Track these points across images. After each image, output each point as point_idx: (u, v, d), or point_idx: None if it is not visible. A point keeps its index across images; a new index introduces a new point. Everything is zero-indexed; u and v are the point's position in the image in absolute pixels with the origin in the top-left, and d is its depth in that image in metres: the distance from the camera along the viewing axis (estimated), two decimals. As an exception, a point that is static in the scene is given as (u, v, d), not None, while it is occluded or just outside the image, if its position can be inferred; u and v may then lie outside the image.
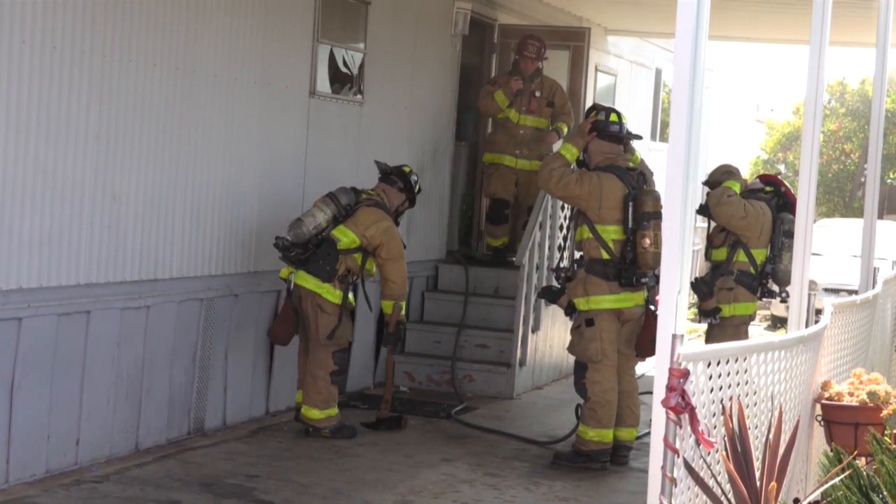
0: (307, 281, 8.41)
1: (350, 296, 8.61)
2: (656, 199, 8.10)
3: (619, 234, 8.13)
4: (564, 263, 10.75)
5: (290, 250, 8.37)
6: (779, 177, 9.47)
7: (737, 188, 8.93)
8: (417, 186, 9.06)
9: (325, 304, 8.41)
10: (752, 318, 9.11)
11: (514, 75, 11.30)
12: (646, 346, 8.24)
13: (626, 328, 8.29)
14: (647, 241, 8.01)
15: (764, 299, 9.23)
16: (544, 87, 11.36)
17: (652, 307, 8.19)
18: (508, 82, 11.25)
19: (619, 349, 8.31)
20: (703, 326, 10.40)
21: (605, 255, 8.13)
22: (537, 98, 11.29)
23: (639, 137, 8.71)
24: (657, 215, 8.04)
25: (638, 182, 8.25)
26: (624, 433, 8.38)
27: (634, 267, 8.09)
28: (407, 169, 9.04)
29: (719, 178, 9.16)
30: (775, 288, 8.98)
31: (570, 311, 8.34)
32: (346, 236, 8.48)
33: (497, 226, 11.48)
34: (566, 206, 10.55)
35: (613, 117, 8.36)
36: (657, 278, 8.03)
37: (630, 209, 8.10)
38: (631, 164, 8.31)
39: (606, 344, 8.18)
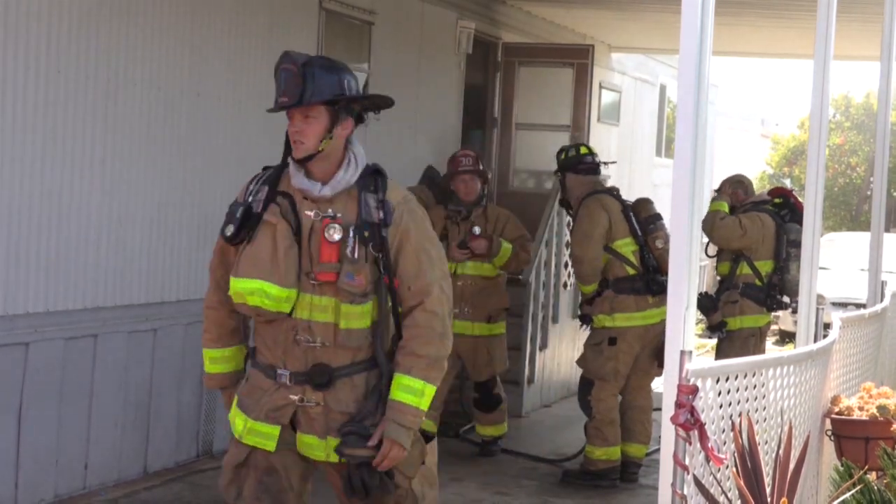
0: None
1: None
2: (650, 203, 8.42)
3: (634, 244, 8.20)
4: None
5: None
6: (792, 192, 9.44)
7: (724, 207, 8.90)
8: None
9: None
10: (763, 330, 9.05)
11: (450, 205, 8.68)
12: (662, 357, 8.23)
13: (651, 345, 8.24)
14: (660, 242, 8.16)
15: (775, 311, 9.18)
16: (487, 221, 8.63)
17: None
18: (441, 218, 8.58)
19: (641, 367, 8.29)
20: (711, 342, 10.39)
21: (631, 271, 8.19)
22: (477, 237, 8.49)
23: (613, 162, 8.91)
24: (658, 216, 8.30)
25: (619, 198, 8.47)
26: (634, 449, 8.36)
27: (658, 273, 8.15)
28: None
29: (724, 188, 9.17)
30: (786, 299, 8.95)
31: (587, 322, 8.39)
32: None
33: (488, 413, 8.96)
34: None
35: (584, 150, 8.59)
36: None
37: (633, 219, 8.23)
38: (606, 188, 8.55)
39: (621, 365, 8.18)
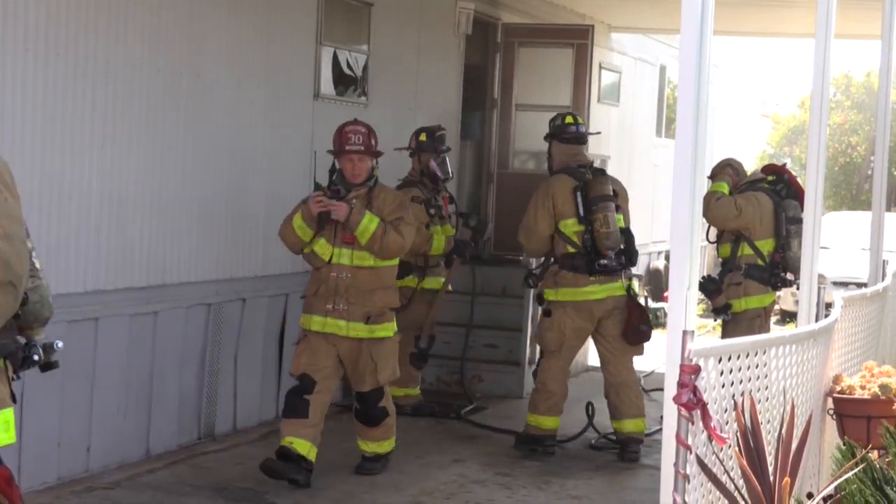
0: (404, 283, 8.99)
1: (438, 279, 9.38)
2: (602, 183, 8.45)
3: (576, 225, 8.38)
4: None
5: None
6: (784, 167, 9.43)
7: (724, 189, 8.90)
8: (421, 136, 9.38)
9: (406, 293, 9.02)
10: (768, 309, 9.05)
11: (331, 185, 7.48)
12: (629, 335, 8.47)
13: (609, 322, 8.47)
14: (598, 223, 8.32)
15: (780, 290, 9.18)
16: (372, 203, 7.41)
17: (632, 293, 8.49)
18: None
19: (608, 344, 8.53)
20: (713, 322, 10.39)
21: (571, 249, 8.42)
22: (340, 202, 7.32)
23: (597, 133, 9.05)
24: (604, 198, 8.38)
25: (594, 174, 8.56)
26: (628, 425, 8.51)
27: (598, 253, 8.34)
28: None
29: (718, 172, 9.14)
30: (790, 277, 8.94)
31: (540, 300, 8.70)
32: None
33: (290, 419, 7.29)
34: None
35: (569, 119, 8.79)
36: (622, 265, 8.34)
37: (580, 199, 8.37)
38: (583, 161, 8.65)
39: (568, 338, 8.45)
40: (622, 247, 8.39)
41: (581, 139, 8.74)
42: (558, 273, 8.45)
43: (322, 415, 7.34)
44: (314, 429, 7.26)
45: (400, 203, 7.54)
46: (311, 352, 7.40)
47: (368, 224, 7.30)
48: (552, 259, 8.57)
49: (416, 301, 9.27)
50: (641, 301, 14.08)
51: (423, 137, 9.43)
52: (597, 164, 12.69)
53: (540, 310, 8.74)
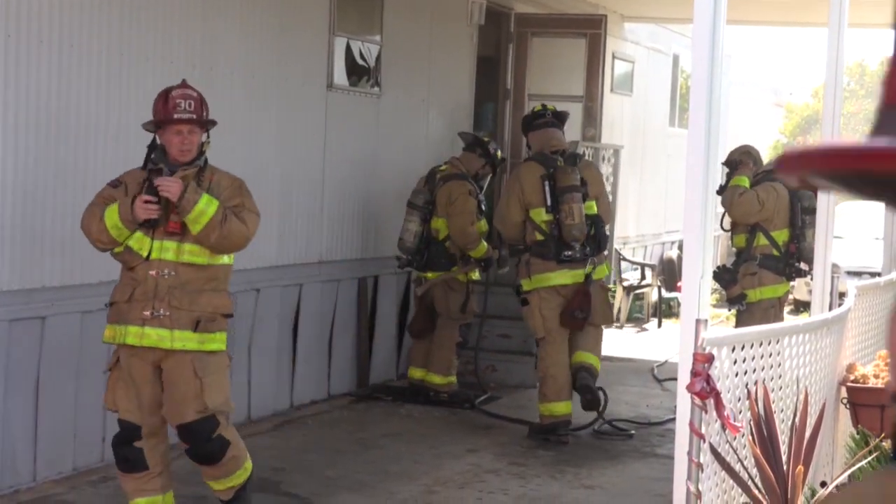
0: (435, 276, 9.52)
1: (476, 273, 9.66)
2: (570, 173, 8.46)
3: (545, 214, 8.46)
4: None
5: (411, 263, 9.48)
6: None
7: (745, 183, 8.88)
8: (498, 153, 9.74)
9: (453, 284, 9.49)
10: (782, 299, 9.06)
11: (150, 164, 5.95)
12: (564, 319, 8.48)
13: (571, 305, 8.50)
14: (563, 214, 8.39)
15: (794, 280, 9.18)
16: (202, 185, 5.93)
17: (590, 279, 8.47)
18: (138, 182, 5.90)
19: (565, 326, 8.57)
20: (727, 312, 10.36)
21: (540, 237, 8.49)
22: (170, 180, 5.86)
23: (565, 115, 9.04)
24: (570, 189, 8.41)
25: (568, 161, 8.57)
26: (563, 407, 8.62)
27: (563, 243, 8.42)
28: (486, 138, 9.89)
29: (737, 159, 9.13)
30: (804, 267, 8.94)
31: (518, 291, 8.74)
32: (438, 225, 9.46)
33: (128, 474, 5.96)
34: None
35: (537, 107, 8.98)
36: (586, 255, 8.39)
37: (548, 189, 8.43)
38: (557, 146, 8.65)
39: (548, 320, 8.50)
40: (592, 234, 8.47)
41: (550, 123, 8.77)
42: (531, 262, 8.52)
43: (163, 456, 6.06)
44: (159, 477, 6.00)
45: (238, 187, 6.02)
46: (124, 384, 5.87)
47: (206, 207, 5.76)
48: (522, 248, 8.65)
49: (457, 291, 9.61)
50: (653, 289, 14.03)
51: (499, 154, 9.88)
52: (608, 154, 12.80)
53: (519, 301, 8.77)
